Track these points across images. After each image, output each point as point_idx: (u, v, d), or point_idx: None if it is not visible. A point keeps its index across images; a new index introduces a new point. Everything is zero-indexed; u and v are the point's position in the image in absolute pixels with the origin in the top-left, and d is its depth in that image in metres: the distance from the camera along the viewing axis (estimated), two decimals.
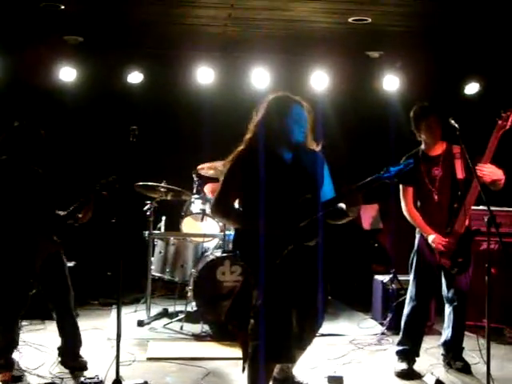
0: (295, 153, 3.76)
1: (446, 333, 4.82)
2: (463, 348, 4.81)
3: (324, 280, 3.80)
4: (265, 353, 3.57)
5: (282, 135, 3.71)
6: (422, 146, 4.77)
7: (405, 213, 4.77)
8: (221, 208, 3.81)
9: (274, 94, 3.89)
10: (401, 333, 4.84)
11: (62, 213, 4.56)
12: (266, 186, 3.61)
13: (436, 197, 4.59)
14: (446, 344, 4.85)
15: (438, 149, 4.69)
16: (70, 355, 4.67)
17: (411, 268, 4.80)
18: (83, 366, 4.63)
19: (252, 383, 3.71)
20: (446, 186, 4.58)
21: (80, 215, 4.60)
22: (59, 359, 4.71)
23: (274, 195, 3.62)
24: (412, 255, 4.82)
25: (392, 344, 5.48)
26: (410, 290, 4.80)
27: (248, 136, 3.82)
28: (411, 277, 4.81)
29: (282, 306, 3.60)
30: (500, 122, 4.38)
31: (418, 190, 4.71)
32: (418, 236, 4.76)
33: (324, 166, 3.86)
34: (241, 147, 3.80)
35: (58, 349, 4.73)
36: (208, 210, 6.17)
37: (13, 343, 4.51)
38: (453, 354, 4.82)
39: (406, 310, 4.81)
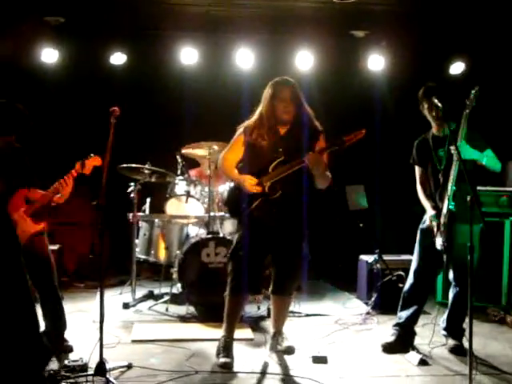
0: (290, 127, 4.51)
1: (446, 312, 4.88)
2: (463, 329, 4.74)
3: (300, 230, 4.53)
4: (235, 286, 4.48)
5: (272, 114, 4.47)
6: (433, 127, 4.74)
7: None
8: (224, 163, 4.61)
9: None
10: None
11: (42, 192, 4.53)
12: (261, 152, 4.45)
13: (441, 177, 4.57)
14: (443, 322, 4.90)
15: (445, 130, 4.61)
16: (55, 338, 4.64)
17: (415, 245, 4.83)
18: (68, 350, 4.61)
19: (227, 312, 4.57)
20: (451, 168, 4.48)
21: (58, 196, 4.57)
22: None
23: (265, 160, 4.46)
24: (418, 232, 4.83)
25: (376, 324, 5.51)
26: (412, 267, 4.84)
27: (255, 116, 4.58)
28: (414, 254, 4.83)
29: (254, 250, 4.43)
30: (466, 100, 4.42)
31: (428, 170, 4.72)
32: (425, 215, 4.74)
33: (316, 141, 4.51)
34: (251, 120, 4.58)
35: (43, 332, 4.70)
36: (192, 192, 6.15)
37: None
38: (448, 333, 4.85)
39: (406, 285, 4.88)
